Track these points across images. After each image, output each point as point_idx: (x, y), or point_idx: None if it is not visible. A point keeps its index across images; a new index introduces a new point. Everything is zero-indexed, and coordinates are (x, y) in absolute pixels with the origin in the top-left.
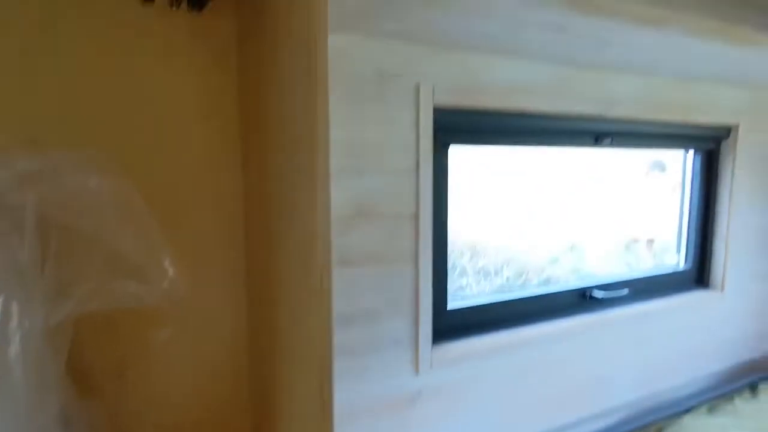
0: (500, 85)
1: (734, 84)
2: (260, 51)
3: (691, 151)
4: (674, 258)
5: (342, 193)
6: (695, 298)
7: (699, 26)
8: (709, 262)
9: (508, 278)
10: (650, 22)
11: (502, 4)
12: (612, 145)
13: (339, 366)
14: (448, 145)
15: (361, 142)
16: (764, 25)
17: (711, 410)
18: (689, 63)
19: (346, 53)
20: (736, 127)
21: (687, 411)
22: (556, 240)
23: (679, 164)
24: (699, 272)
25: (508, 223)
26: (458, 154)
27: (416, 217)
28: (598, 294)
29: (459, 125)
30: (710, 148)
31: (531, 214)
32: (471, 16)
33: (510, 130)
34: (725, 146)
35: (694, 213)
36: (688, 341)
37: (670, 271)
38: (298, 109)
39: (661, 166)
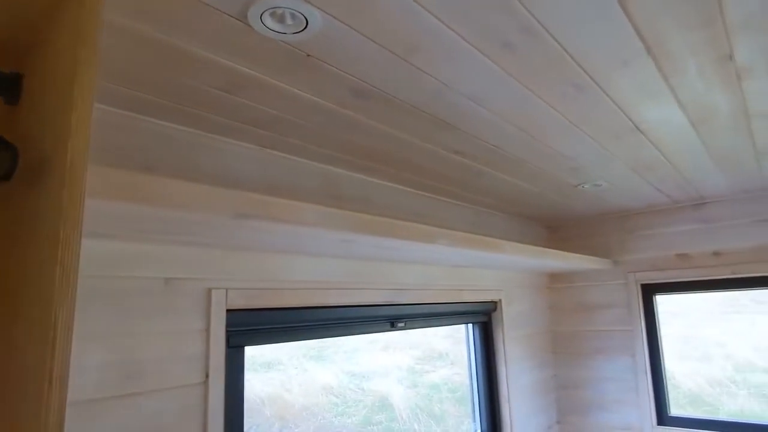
0: (297, 283)
1: (493, 269)
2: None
3: (470, 325)
4: (472, 427)
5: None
6: None
7: (459, 240)
8: (500, 425)
9: None
10: (421, 239)
11: (299, 229)
12: (406, 327)
13: None
14: (243, 347)
15: (138, 360)
16: (504, 235)
17: None
18: (458, 258)
19: (122, 260)
20: (500, 301)
21: None
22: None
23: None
24: None
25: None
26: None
27: None
28: None
29: (254, 326)
30: (484, 321)
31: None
32: (263, 234)
33: (310, 324)
34: (495, 318)
35: (481, 381)
36: None
37: None
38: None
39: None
